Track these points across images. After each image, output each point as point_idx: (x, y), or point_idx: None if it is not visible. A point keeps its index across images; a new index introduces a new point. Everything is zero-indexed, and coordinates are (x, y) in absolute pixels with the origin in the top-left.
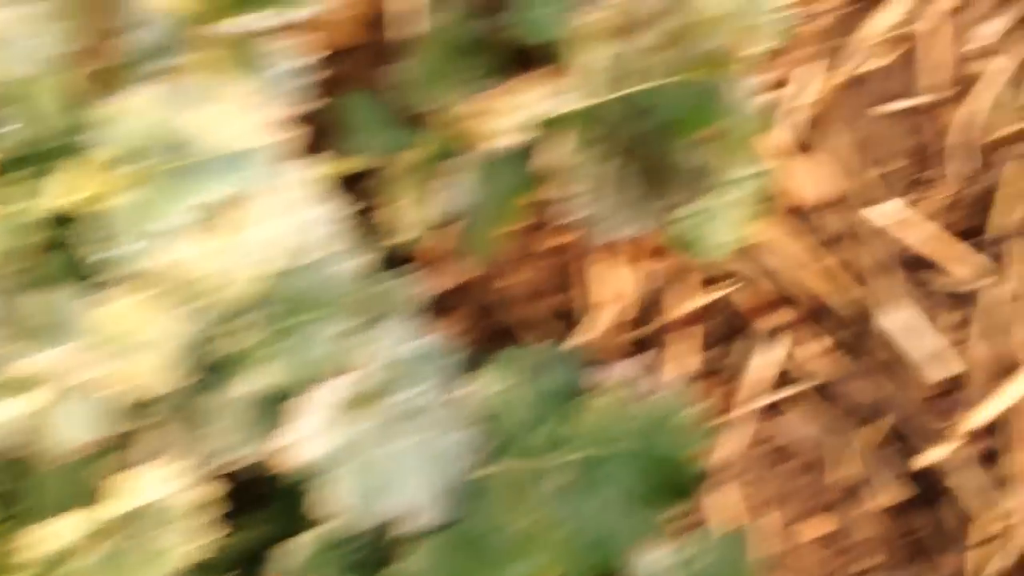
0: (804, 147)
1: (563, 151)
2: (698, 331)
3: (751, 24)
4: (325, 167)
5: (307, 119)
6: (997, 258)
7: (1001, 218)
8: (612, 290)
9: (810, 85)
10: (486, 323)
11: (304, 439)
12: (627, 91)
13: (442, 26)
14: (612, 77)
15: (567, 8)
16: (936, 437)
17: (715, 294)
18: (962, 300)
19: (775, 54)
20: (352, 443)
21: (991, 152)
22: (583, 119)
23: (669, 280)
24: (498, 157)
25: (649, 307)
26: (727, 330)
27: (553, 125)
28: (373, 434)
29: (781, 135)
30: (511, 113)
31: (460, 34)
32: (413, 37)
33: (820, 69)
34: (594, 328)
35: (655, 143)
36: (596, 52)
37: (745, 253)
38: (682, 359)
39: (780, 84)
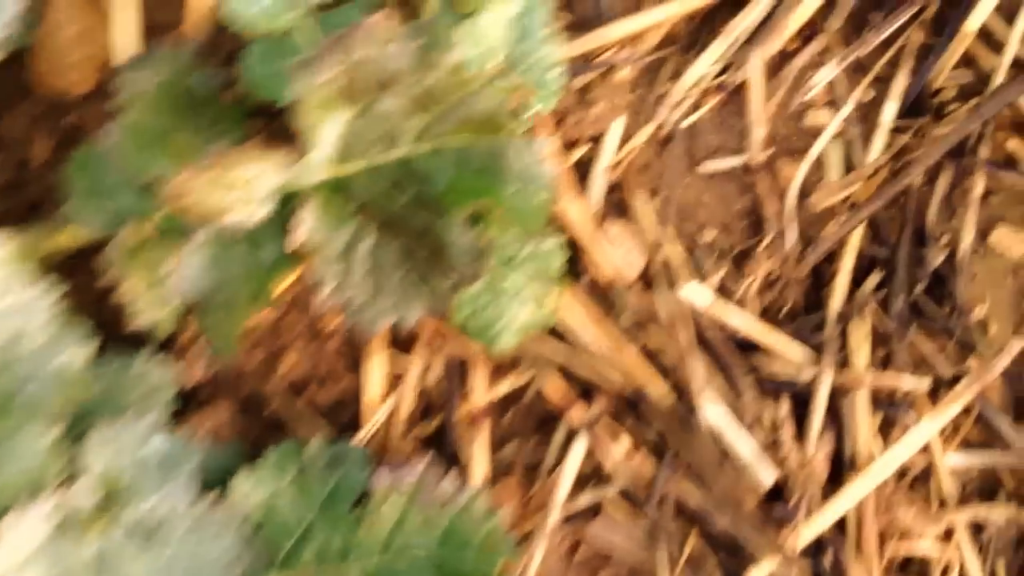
0: (612, 215)
1: (309, 228)
2: (498, 425)
3: (524, 81)
4: (33, 242)
5: (17, 185)
6: (838, 339)
7: (840, 294)
8: (400, 379)
9: (620, 143)
10: (258, 415)
11: (9, 569)
12: (378, 159)
13: (166, 77)
14: (358, 143)
15: (298, 66)
16: (769, 546)
17: (514, 384)
18: (797, 390)
19: (577, 109)
20: (74, 567)
21: (829, 217)
22: (329, 191)
23: (463, 368)
24: (235, 234)
25: (443, 398)
26: (531, 424)
27: (295, 198)
28: (105, 554)
29: (585, 201)
30: (245, 184)
31: (187, 88)
32: (133, 89)
33: (632, 125)
34: (381, 421)
35: (422, 218)
36: (334, 115)
37: (545, 338)
38: (482, 456)
39: (586, 141)
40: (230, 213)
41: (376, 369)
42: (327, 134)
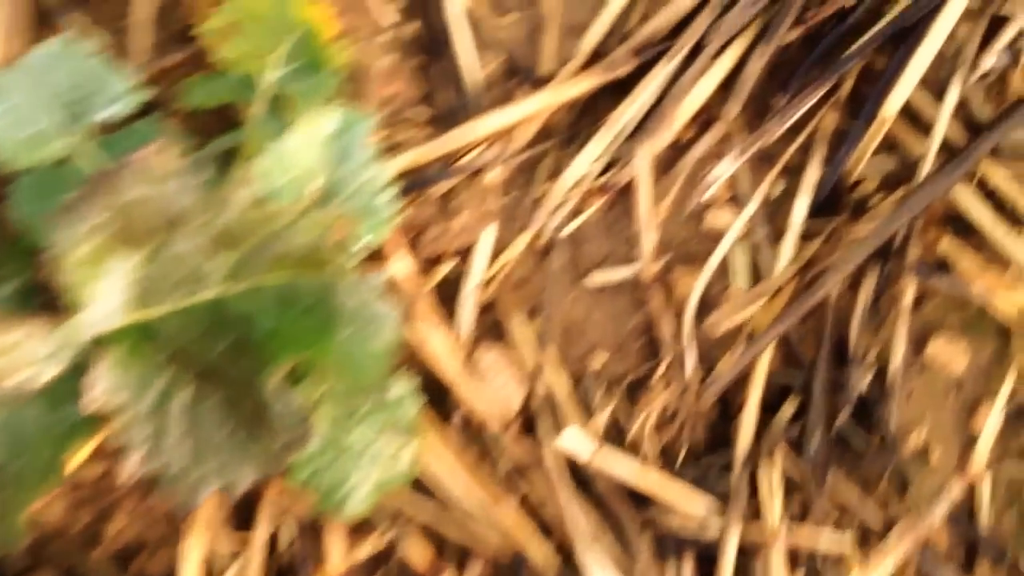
0: (486, 340)
1: (107, 386)
2: None
3: (346, 209)
4: None
5: None
6: (747, 485)
7: (748, 430)
8: (239, 550)
9: (491, 256)
10: None
11: None
12: (185, 303)
13: None
14: (157, 286)
15: (58, 213)
16: None
17: (377, 546)
18: (701, 548)
19: (439, 219)
20: None
21: (734, 337)
22: (133, 339)
23: (317, 529)
24: (23, 396)
25: (291, 565)
26: None
27: (85, 354)
28: None
29: (450, 329)
30: (10, 349)
31: None
32: None
33: (505, 234)
34: None
35: (243, 368)
36: (112, 264)
37: (408, 493)
38: None
39: (451, 256)
40: (7, 375)
41: (196, 548)
42: (107, 285)
